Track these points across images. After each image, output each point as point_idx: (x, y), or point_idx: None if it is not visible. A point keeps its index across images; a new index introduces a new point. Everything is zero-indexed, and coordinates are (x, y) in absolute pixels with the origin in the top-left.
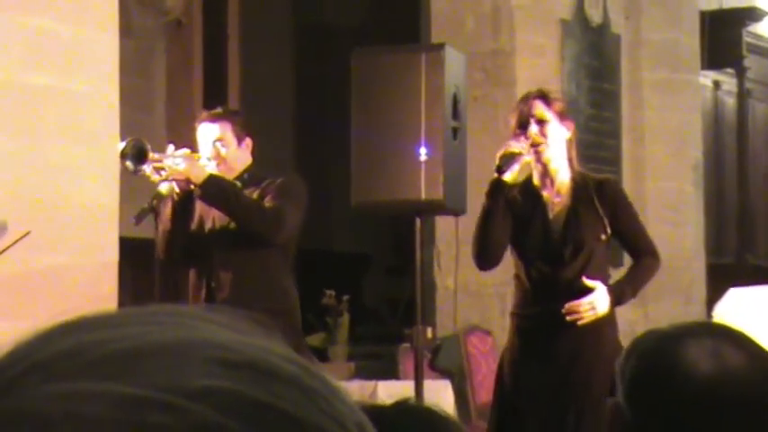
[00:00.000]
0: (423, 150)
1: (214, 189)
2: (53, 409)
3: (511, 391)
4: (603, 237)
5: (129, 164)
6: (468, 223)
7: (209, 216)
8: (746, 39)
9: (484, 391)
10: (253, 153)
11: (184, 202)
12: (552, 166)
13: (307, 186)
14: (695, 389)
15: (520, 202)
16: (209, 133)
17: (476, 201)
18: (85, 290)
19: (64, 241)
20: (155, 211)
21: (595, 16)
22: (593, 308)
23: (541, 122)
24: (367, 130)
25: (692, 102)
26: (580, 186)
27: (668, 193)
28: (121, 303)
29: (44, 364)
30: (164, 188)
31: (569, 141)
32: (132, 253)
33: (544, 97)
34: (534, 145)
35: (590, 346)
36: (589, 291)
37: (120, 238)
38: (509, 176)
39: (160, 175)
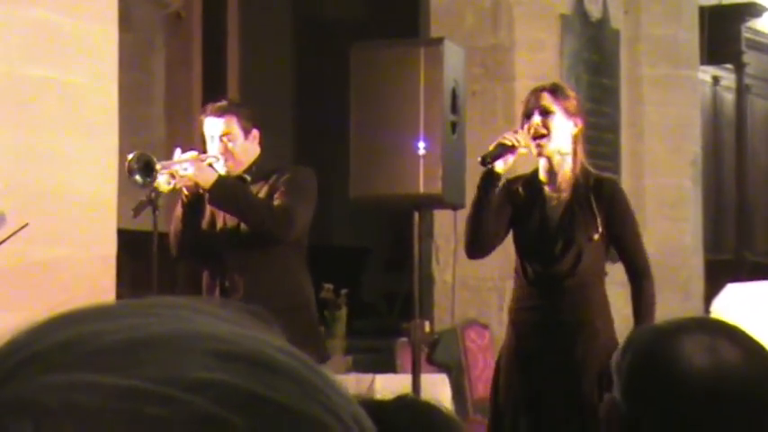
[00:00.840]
0: (421, 144)
1: (223, 192)
2: (51, 399)
3: (506, 387)
4: (596, 236)
5: (138, 178)
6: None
7: (219, 214)
8: (746, 34)
9: (481, 386)
10: (261, 143)
11: (194, 202)
12: (555, 160)
13: (316, 178)
14: (691, 384)
15: (522, 195)
16: (216, 128)
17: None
18: (84, 282)
19: (62, 233)
20: (153, 204)
21: (595, 11)
22: None
23: (546, 114)
24: (366, 124)
25: (691, 97)
26: (581, 184)
27: (667, 188)
28: (119, 295)
29: (41, 356)
30: (162, 181)
31: (575, 137)
32: (130, 245)
33: (554, 91)
34: (536, 136)
35: (583, 342)
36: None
37: (118, 230)
38: (501, 167)
39: (170, 185)
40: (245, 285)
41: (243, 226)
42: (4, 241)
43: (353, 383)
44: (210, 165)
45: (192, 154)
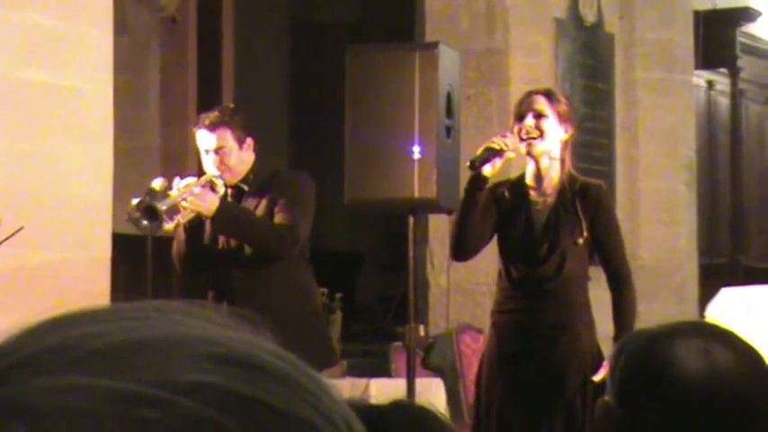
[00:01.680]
0: (416, 148)
1: (226, 220)
2: (44, 402)
3: (487, 391)
4: (581, 240)
5: (146, 224)
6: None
7: None
8: (740, 39)
9: None
10: (255, 150)
11: (196, 224)
12: (543, 165)
13: (313, 182)
14: (685, 388)
15: (507, 198)
16: (210, 142)
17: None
18: (78, 285)
19: (57, 237)
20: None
21: (589, 15)
22: None
23: (539, 116)
24: (361, 127)
25: (686, 102)
26: (567, 188)
27: (661, 192)
28: (114, 299)
29: (34, 359)
30: (156, 184)
31: (565, 143)
32: (125, 249)
33: (548, 95)
34: (526, 137)
35: (565, 345)
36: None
37: (113, 234)
38: (488, 171)
39: (173, 221)
40: (253, 301)
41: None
42: None
43: (348, 387)
44: (211, 182)
45: (191, 181)
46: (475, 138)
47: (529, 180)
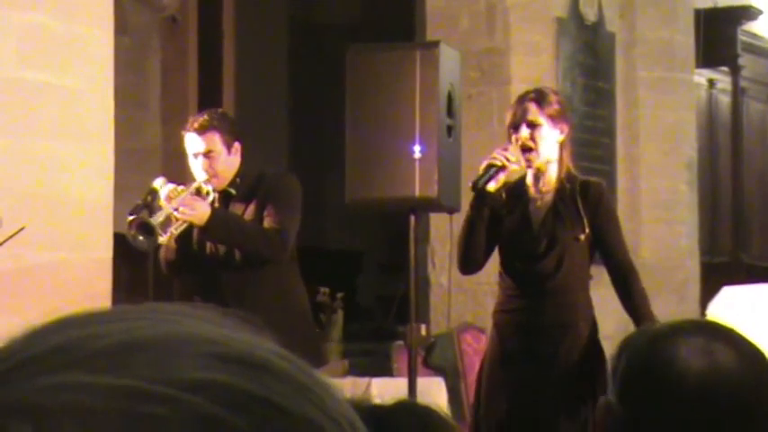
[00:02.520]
0: (417, 148)
1: (217, 228)
2: (50, 400)
3: (488, 391)
4: (582, 236)
5: (142, 239)
6: (462, 221)
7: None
8: (741, 37)
9: None
10: (242, 154)
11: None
12: (542, 168)
13: (300, 185)
14: (686, 386)
15: (505, 197)
16: (198, 146)
17: (470, 199)
18: (79, 286)
19: (58, 237)
20: (149, 207)
21: (590, 14)
22: None
23: (533, 126)
24: (362, 127)
25: (687, 100)
26: (566, 186)
27: (662, 191)
28: (115, 299)
29: (38, 359)
30: (157, 183)
31: (561, 143)
32: (126, 249)
33: (539, 101)
34: (524, 150)
35: (567, 344)
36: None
37: (114, 234)
38: (492, 186)
39: (168, 233)
40: (242, 304)
41: (236, 253)
42: (0, 245)
43: (350, 387)
44: (199, 190)
45: (180, 189)
46: (476, 137)
47: (528, 180)
